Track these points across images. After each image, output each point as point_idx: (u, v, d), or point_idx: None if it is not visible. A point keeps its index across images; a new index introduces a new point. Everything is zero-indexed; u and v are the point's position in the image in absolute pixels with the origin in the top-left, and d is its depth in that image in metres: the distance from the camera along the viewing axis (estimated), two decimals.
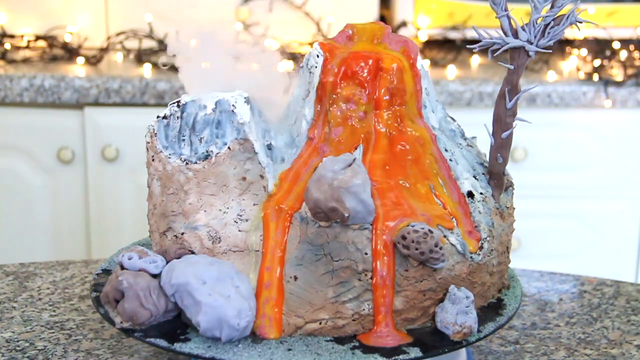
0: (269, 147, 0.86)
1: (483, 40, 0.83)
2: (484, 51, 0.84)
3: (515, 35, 0.82)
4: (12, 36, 1.99)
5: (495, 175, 0.88)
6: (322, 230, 0.80)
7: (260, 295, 0.82)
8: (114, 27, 1.98)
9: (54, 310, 1.02)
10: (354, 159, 0.80)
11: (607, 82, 1.82)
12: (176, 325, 0.83)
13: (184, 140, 0.86)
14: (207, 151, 0.85)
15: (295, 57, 1.89)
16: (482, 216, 0.86)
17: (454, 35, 2.00)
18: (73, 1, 1.98)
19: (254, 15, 1.98)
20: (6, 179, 1.85)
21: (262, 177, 0.85)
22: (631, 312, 1.04)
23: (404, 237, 0.79)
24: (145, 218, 0.92)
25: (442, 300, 0.83)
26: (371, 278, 0.81)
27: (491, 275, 0.87)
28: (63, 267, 1.14)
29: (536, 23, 0.82)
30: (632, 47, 1.95)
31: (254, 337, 0.82)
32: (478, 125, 0.96)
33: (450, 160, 0.88)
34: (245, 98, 0.86)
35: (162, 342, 0.80)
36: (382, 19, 2.06)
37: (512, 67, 0.83)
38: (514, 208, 0.91)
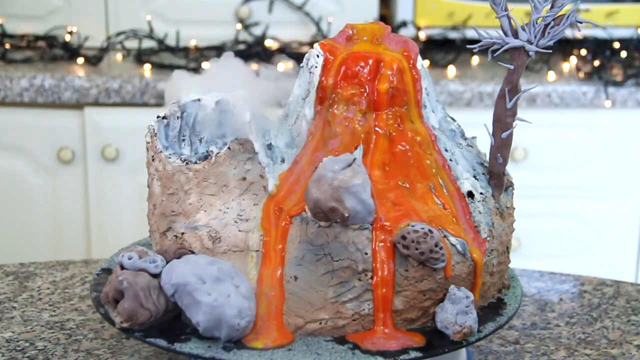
0: (269, 147, 0.87)
1: (483, 40, 0.83)
2: (484, 51, 0.84)
3: (515, 35, 0.82)
4: (12, 36, 1.99)
5: (495, 175, 0.88)
6: (322, 230, 0.80)
7: (260, 295, 0.82)
8: (114, 27, 1.98)
9: (54, 310, 1.02)
10: (354, 159, 0.80)
11: (607, 82, 1.82)
12: (176, 325, 0.83)
13: (184, 140, 0.86)
14: (207, 151, 0.85)
15: (295, 57, 1.89)
16: (482, 216, 0.86)
17: (454, 35, 2.00)
18: (73, 1, 1.98)
19: (254, 15, 1.98)
20: (6, 179, 1.85)
21: (262, 177, 0.85)
22: (631, 312, 1.04)
23: (404, 237, 0.79)
24: (145, 218, 0.92)
25: (442, 300, 0.83)
26: (371, 278, 0.81)
27: (491, 275, 0.87)
28: (63, 267, 1.14)
29: (536, 23, 0.82)
30: (632, 47, 1.95)
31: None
32: (478, 125, 0.96)
33: (450, 160, 0.88)
34: (245, 98, 0.86)
35: (162, 342, 0.80)
36: (382, 19, 2.06)
37: (512, 67, 0.83)
38: (514, 208, 0.91)
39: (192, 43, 1.96)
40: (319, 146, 0.86)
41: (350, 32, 0.90)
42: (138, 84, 1.79)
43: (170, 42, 1.96)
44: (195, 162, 0.85)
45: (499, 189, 0.88)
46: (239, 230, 0.84)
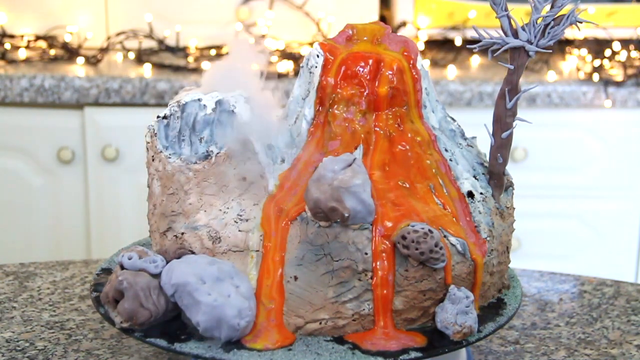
0: (269, 147, 0.86)
1: (483, 40, 0.83)
2: (484, 51, 0.84)
3: (515, 35, 0.82)
4: (12, 36, 1.99)
5: (495, 175, 0.88)
6: (322, 230, 0.80)
7: (260, 295, 0.82)
8: (114, 27, 1.98)
9: (54, 310, 1.02)
10: (354, 159, 0.80)
11: (607, 82, 1.82)
12: (176, 325, 0.83)
13: (184, 140, 0.86)
14: (207, 151, 0.85)
15: (295, 57, 1.89)
16: (482, 216, 0.86)
17: (454, 35, 2.00)
18: (73, 1, 1.98)
19: (254, 15, 1.98)
20: (6, 179, 1.85)
21: (262, 177, 0.85)
22: (631, 312, 1.04)
23: (404, 237, 0.79)
24: (145, 218, 0.92)
25: (442, 300, 0.83)
26: (371, 278, 0.81)
27: (491, 275, 0.87)
28: (63, 267, 1.14)
29: (536, 23, 0.82)
30: (632, 47, 1.95)
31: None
32: (478, 125, 0.96)
33: (450, 160, 0.88)
34: (245, 98, 0.86)
35: (162, 342, 0.80)
36: (382, 19, 2.06)
37: (512, 67, 0.83)
38: (514, 208, 0.91)
39: (192, 43, 1.96)
40: (319, 146, 0.86)
41: (350, 32, 0.90)
42: (138, 84, 1.79)
43: (170, 42, 1.96)
44: (195, 162, 0.85)
45: (499, 189, 0.88)
46: (239, 230, 0.84)
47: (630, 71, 1.86)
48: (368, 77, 0.86)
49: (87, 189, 1.84)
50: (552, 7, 0.81)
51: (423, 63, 0.89)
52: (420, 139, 0.87)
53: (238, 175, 0.85)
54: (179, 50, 1.95)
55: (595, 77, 1.84)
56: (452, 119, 0.92)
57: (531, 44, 0.82)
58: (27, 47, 1.97)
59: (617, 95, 1.82)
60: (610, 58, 1.92)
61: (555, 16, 0.81)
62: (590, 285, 1.12)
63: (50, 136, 1.83)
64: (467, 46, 0.85)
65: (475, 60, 2.00)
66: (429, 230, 0.79)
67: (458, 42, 2.00)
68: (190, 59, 1.91)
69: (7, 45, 1.96)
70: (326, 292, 0.81)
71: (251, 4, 1.98)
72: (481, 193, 0.87)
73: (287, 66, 1.86)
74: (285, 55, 1.90)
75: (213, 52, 1.94)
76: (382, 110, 0.86)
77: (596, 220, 1.91)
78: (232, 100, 0.85)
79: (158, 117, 0.87)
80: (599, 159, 1.87)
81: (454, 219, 0.84)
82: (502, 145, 0.87)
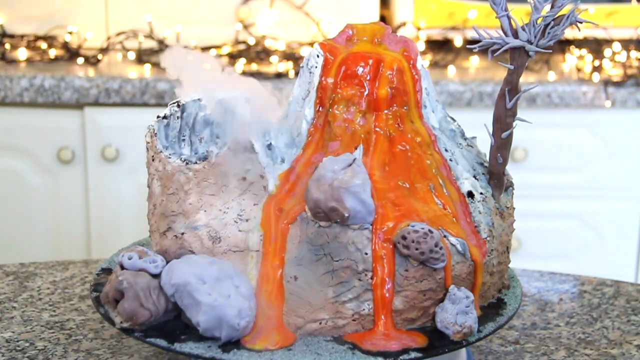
0: (269, 147, 0.86)
1: (483, 40, 0.83)
2: (484, 51, 0.84)
3: (515, 35, 0.82)
4: (12, 36, 1.99)
5: (495, 175, 0.88)
6: (322, 230, 0.80)
7: (261, 295, 0.82)
8: (114, 27, 1.98)
9: (54, 310, 1.02)
10: (354, 159, 0.80)
11: (607, 82, 1.82)
12: (176, 325, 0.83)
13: (184, 140, 0.86)
14: (207, 151, 0.85)
15: (295, 57, 1.89)
16: (482, 216, 0.86)
17: (454, 35, 2.00)
18: (73, 1, 1.98)
19: (254, 15, 1.98)
20: (6, 179, 1.85)
21: (262, 177, 0.85)
22: (631, 312, 1.04)
23: (404, 237, 0.79)
24: (145, 218, 0.92)
25: (442, 300, 0.83)
26: (371, 278, 0.81)
27: (491, 275, 0.87)
28: (63, 267, 1.15)
29: (536, 23, 0.82)
30: (632, 47, 1.95)
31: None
32: (478, 125, 0.96)
33: (450, 160, 0.88)
34: (245, 98, 0.86)
35: (162, 342, 0.80)
36: (382, 19, 2.06)
37: (512, 67, 0.83)
38: (514, 208, 0.91)
39: (192, 43, 1.96)
40: (319, 146, 0.86)
41: (350, 32, 0.90)
42: (138, 84, 1.79)
43: (170, 42, 1.96)
44: (195, 162, 0.85)
45: (499, 189, 0.88)
46: (239, 230, 0.84)
47: (630, 71, 1.86)
48: (368, 77, 0.86)
49: (87, 189, 1.84)
50: (552, 7, 0.81)
51: (423, 63, 0.89)
52: (420, 139, 0.87)
53: (238, 175, 0.85)
54: None
55: (595, 77, 1.84)
56: (452, 119, 0.92)
57: (531, 44, 0.82)
58: (27, 47, 1.97)
59: (617, 95, 1.82)
60: (610, 58, 1.92)
61: (555, 16, 0.81)
62: (590, 285, 1.12)
63: (50, 136, 1.83)
64: (467, 46, 0.85)
65: (475, 60, 2.00)
66: (429, 230, 0.79)
67: (458, 42, 2.00)
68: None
69: (7, 45, 1.96)
70: (326, 292, 0.81)
71: (251, 4, 1.98)
72: (481, 193, 0.87)
73: (287, 66, 1.86)
74: (285, 55, 1.90)
75: (213, 51, 1.94)
76: (382, 111, 0.86)
77: (596, 220, 1.91)
78: (232, 100, 0.85)
79: (158, 117, 0.87)
80: (599, 159, 1.87)
81: (454, 219, 0.84)
82: (502, 145, 0.87)
